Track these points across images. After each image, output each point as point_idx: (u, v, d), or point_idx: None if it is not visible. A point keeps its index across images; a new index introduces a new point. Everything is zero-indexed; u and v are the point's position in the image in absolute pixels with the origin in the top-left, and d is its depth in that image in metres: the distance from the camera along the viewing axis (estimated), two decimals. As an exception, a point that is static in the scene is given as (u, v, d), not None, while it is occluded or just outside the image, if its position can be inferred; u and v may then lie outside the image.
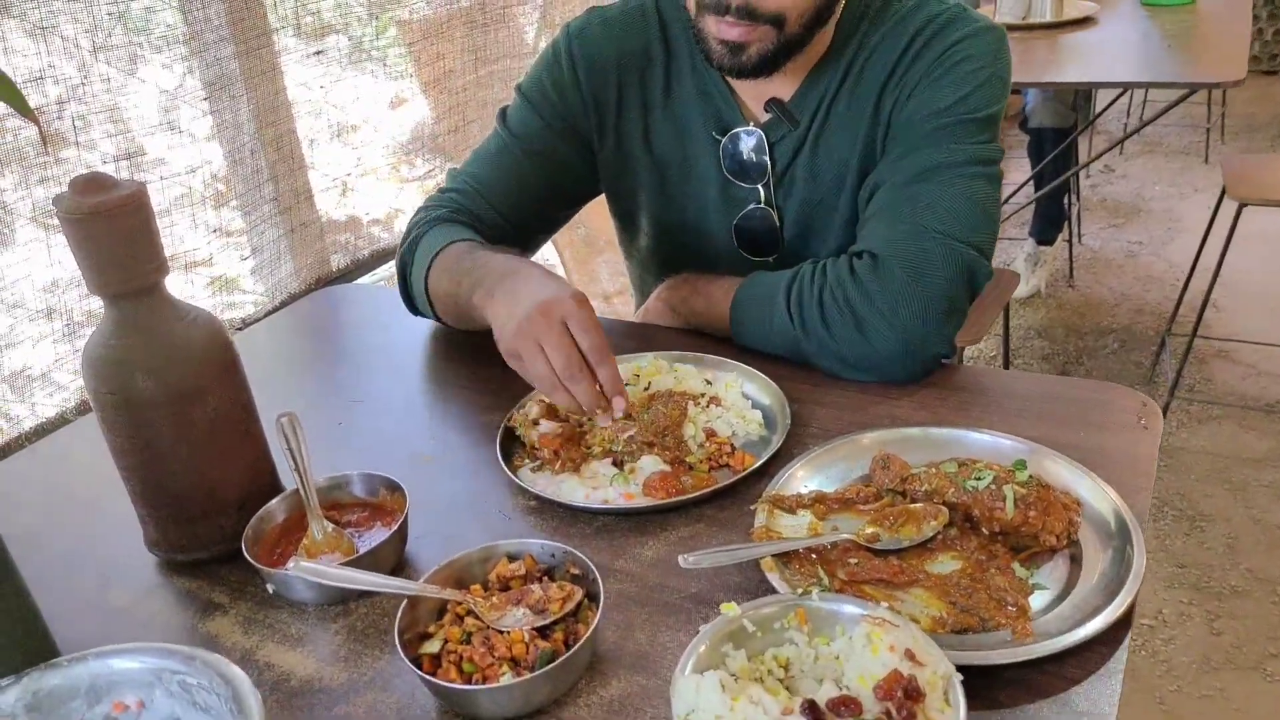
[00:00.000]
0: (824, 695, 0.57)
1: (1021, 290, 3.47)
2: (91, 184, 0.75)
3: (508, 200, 1.21)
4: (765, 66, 1.04)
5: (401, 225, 1.86)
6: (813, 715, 0.55)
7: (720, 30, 1.01)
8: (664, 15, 1.19)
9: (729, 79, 1.15)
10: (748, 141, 1.15)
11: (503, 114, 1.24)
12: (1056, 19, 2.69)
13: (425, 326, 1.27)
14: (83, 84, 1.32)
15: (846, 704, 0.56)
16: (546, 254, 2.49)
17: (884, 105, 1.10)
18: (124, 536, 0.89)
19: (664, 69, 1.19)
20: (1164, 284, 3.53)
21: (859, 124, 1.12)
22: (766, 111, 1.14)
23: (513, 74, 2.09)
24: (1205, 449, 2.65)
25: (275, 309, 1.50)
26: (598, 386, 0.90)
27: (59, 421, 1.22)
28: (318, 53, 1.66)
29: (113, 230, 0.75)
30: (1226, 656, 2.03)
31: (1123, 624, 0.67)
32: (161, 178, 1.40)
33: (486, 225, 1.20)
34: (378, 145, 1.88)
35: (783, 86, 1.13)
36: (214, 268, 1.52)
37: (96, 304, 1.34)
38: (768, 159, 1.15)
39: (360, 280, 1.70)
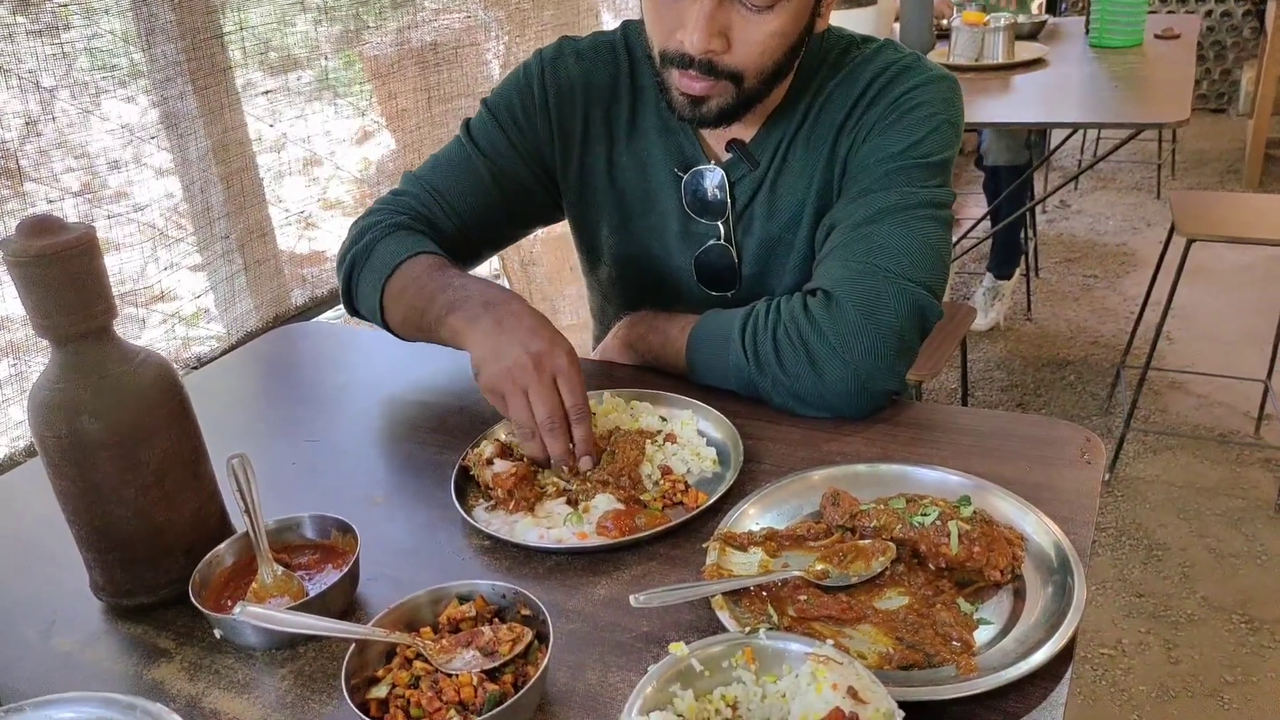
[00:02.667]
0: (767, 735, 0.57)
1: (980, 323, 3.53)
2: (39, 226, 0.75)
3: (465, 212, 1.22)
4: (725, 118, 1.07)
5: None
6: (756, 755, 0.55)
7: (682, 84, 1.04)
8: (632, 51, 1.21)
9: None
10: (710, 179, 1.18)
11: (467, 125, 1.25)
12: (1008, 60, 2.76)
13: (383, 366, 1.27)
14: (41, 119, 1.32)
15: (789, 743, 0.56)
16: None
17: (839, 148, 1.13)
18: (69, 581, 0.88)
19: (630, 104, 1.21)
20: (1119, 317, 3.60)
21: (815, 166, 1.14)
22: (728, 151, 1.17)
23: (467, 112, 2.10)
24: (1161, 478, 2.70)
25: (232, 347, 1.49)
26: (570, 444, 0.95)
27: (7, 464, 1.20)
28: (266, 93, 1.66)
29: (60, 274, 0.75)
30: (1184, 685, 2.06)
31: (1064, 658, 0.68)
32: (109, 216, 1.40)
33: (441, 233, 1.21)
34: (341, 179, 1.88)
35: (744, 128, 1.15)
36: (171, 304, 1.52)
37: (45, 345, 1.33)
38: (728, 197, 1.17)
39: (320, 317, 1.69)
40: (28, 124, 1.31)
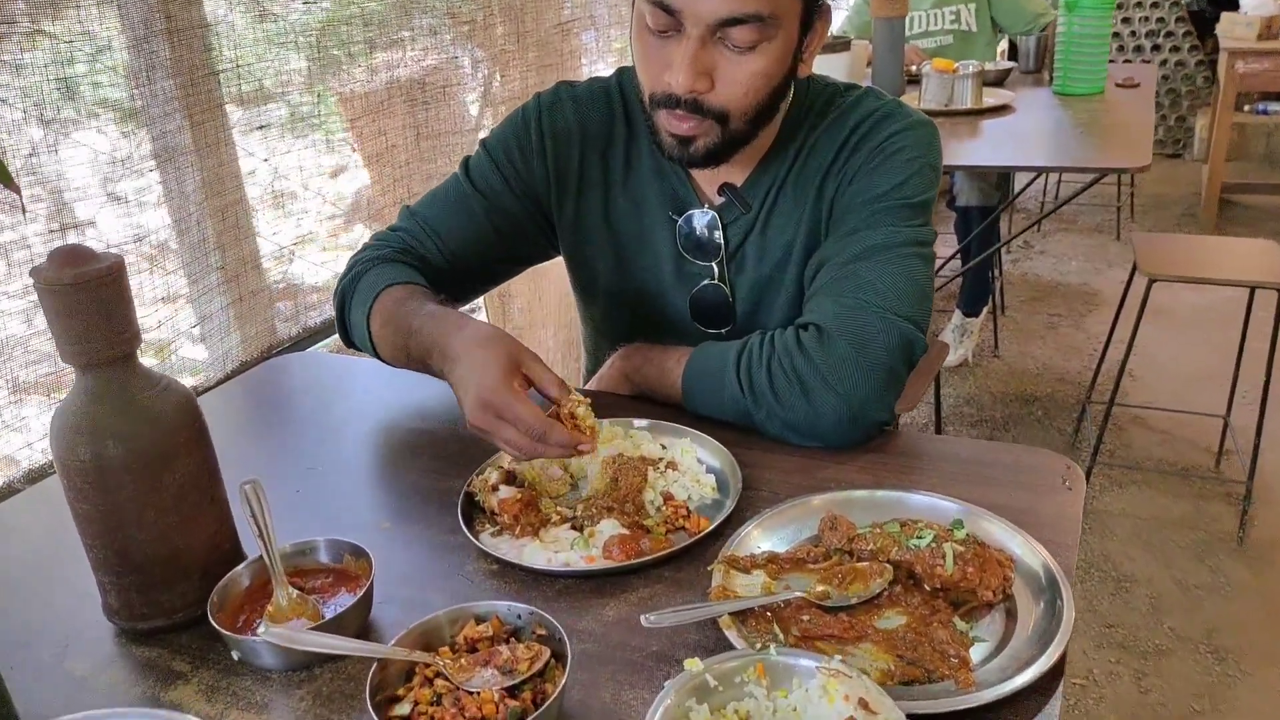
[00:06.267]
0: (785, 742, 0.60)
1: (950, 359, 3.61)
2: (71, 255, 0.77)
3: (458, 247, 1.27)
4: (712, 158, 1.11)
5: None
6: (776, 761, 0.58)
7: (670, 124, 1.08)
8: (627, 97, 1.26)
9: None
10: (701, 221, 1.22)
11: (465, 164, 1.29)
12: (976, 105, 2.86)
13: (378, 394, 1.29)
14: (32, 154, 1.34)
15: (807, 750, 0.59)
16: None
17: (826, 191, 1.18)
18: (82, 605, 0.89)
19: (625, 148, 1.25)
20: (1083, 354, 3.70)
21: (804, 208, 1.19)
22: (720, 195, 1.21)
23: (455, 148, 2.15)
24: (1127, 511, 2.77)
25: (226, 378, 1.50)
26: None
27: (6, 491, 1.20)
28: (261, 128, 1.69)
29: (90, 301, 0.77)
30: (1154, 714, 2.11)
31: (1055, 673, 0.72)
32: (108, 245, 1.41)
33: (432, 267, 1.25)
34: (319, 213, 1.90)
35: (735, 173, 1.20)
36: (160, 334, 1.53)
37: (43, 370, 1.33)
38: (721, 238, 1.22)
39: (311, 349, 1.71)
40: (25, 157, 1.33)
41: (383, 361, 1.21)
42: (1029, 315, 4.08)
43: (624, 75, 1.27)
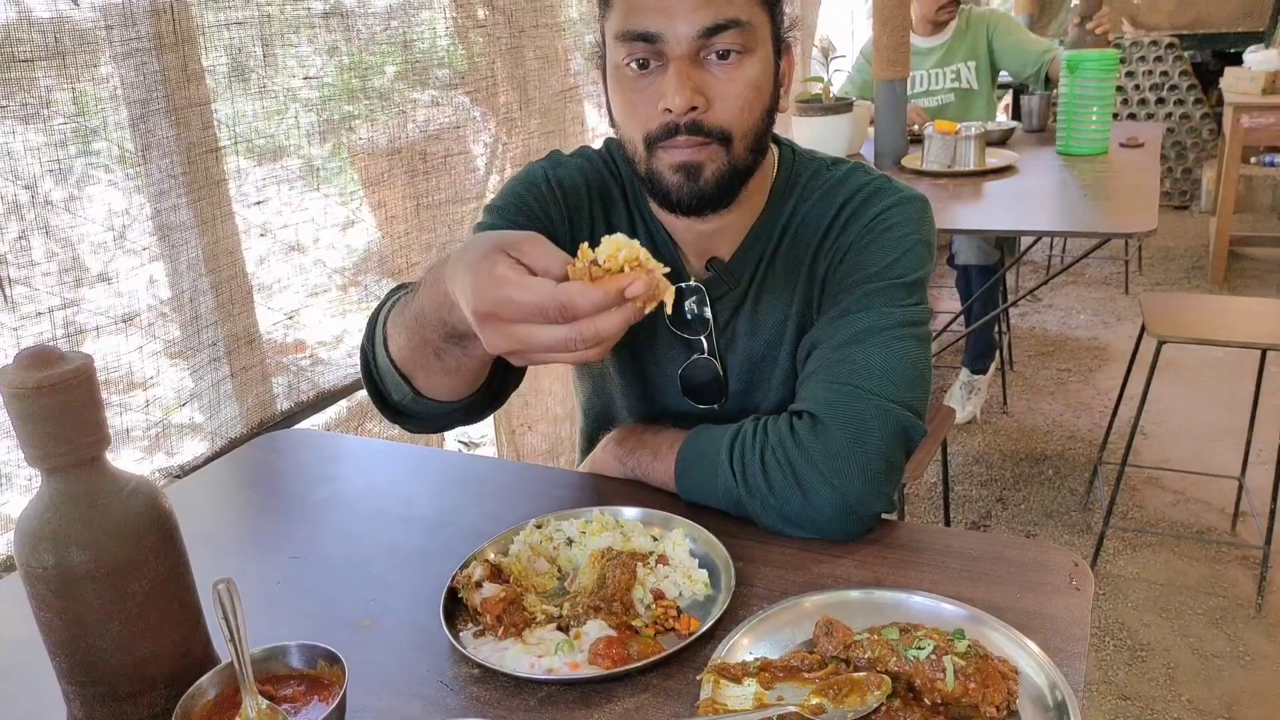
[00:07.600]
0: None
1: (959, 417, 3.56)
2: (37, 358, 0.75)
3: None
4: (722, 189, 1.07)
5: (349, 344, 1.86)
6: None
7: (674, 156, 1.05)
8: (617, 164, 1.25)
9: (674, 236, 1.20)
10: (689, 295, 1.20)
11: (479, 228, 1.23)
12: (979, 168, 2.85)
13: (367, 477, 1.26)
14: (33, 230, 1.33)
15: None
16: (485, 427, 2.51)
17: (818, 267, 1.16)
18: (46, 714, 0.86)
19: (625, 209, 1.23)
20: (1094, 411, 3.65)
21: (795, 285, 1.17)
22: (707, 270, 1.19)
23: (456, 218, 2.15)
24: (1141, 576, 2.71)
25: (216, 455, 1.48)
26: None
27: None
28: (258, 204, 1.67)
29: (56, 405, 0.75)
30: (1175, 794, 2.03)
31: (1064, 802, 0.68)
32: (96, 328, 1.40)
33: None
34: (327, 266, 1.89)
35: (722, 247, 1.18)
36: (154, 412, 1.51)
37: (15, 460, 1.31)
38: (709, 313, 1.19)
39: (304, 424, 1.69)
40: (20, 238, 1.32)
41: (426, 403, 1.03)
42: (1037, 370, 4.04)
43: (611, 146, 1.26)
